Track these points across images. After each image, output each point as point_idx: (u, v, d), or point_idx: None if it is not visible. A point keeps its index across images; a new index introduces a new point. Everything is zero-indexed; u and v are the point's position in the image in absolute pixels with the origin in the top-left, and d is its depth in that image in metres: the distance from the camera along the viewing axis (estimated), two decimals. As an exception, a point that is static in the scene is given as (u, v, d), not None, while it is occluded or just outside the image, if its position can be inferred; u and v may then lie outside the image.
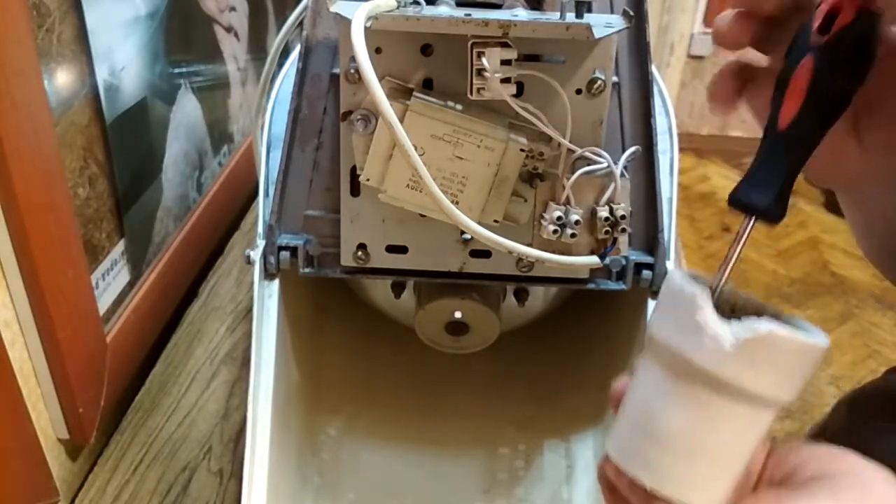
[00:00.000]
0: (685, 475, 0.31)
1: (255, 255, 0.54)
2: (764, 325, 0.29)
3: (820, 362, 0.30)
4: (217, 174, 0.98)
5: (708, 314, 0.30)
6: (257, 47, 1.12)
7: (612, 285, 0.53)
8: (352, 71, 0.45)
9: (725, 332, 0.29)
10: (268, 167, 0.58)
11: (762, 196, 0.32)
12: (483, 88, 0.42)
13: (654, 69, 0.53)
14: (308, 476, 0.64)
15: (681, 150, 0.62)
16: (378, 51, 0.45)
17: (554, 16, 0.43)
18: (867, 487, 0.29)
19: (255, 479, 0.50)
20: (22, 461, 0.56)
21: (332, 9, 0.43)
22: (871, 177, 0.38)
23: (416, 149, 0.40)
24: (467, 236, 0.50)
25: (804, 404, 1.42)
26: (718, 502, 0.31)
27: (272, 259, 0.53)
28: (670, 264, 0.53)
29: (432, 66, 0.45)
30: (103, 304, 0.68)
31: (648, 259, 0.53)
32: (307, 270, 0.53)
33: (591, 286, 0.53)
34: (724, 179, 2.85)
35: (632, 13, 0.43)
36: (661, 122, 0.58)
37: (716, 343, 0.29)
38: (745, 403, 0.30)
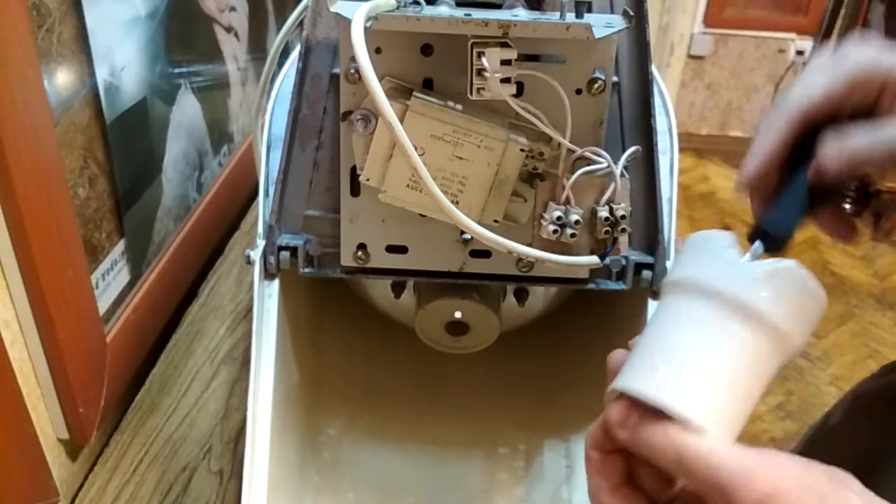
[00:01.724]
0: (701, 394, 0.32)
1: (255, 255, 0.54)
2: (789, 261, 0.33)
3: (821, 315, 0.34)
4: (217, 174, 0.98)
5: (738, 250, 0.35)
6: (257, 47, 1.12)
7: (612, 285, 0.53)
8: (352, 71, 0.45)
9: (756, 263, 0.33)
10: (268, 167, 0.58)
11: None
12: (483, 88, 0.42)
13: (654, 69, 0.53)
14: (308, 476, 0.64)
15: (681, 150, 0.62)
16: (378, 51, 0.45)
17: (554, 16, 0.43)
18: None
19: (255, 479, 0.50)
20: (22, 461, 0.56)
21: (332, 9, 0.43)
22: None
23: (416, 149, 0.40)
24: (467, 236, 0.50)
25: (804, 404, 1.42)
26: (725, 429, 0.32)
27: (272, 259, 0.53)
28: (670, 264, 0.53)
29: (432, 66, 0.45)
30: (103, 304, 0.68)
31: (648, 259, 0.53)
32: (307, 270, 0.53)
33: (591, 286, 0.53)
34: (724, 179, 2.85)
35: (632, 13, 0.43)
36: (661, 122, 0.58)
37: (746, 272, 0.33)
38: (765, 333, 0.32)
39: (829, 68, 0.39)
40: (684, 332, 0.33)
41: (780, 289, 0.32)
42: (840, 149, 0.37)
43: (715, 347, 0.32)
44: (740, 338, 0.32)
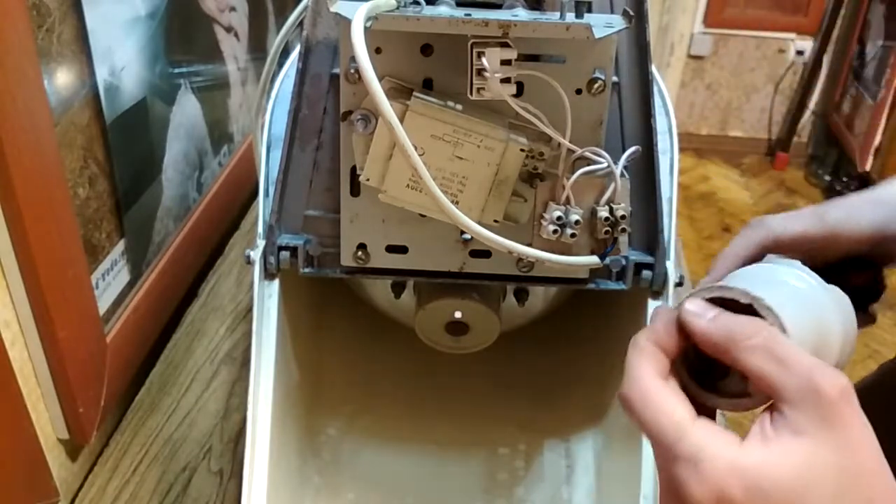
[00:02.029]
0: (794, 316, 0.35)
1: (255, 255, 0.54)
2: None
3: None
4: (217, 174, 0.98)
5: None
6: (257, 47, 1.12)
7: (612, 285, 0.53)
8: (352, 71, 0.45)
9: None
10: (268, 167, 0.58)
11: None
12: (483, 88, 0.42)
13: (654, 69, 0.53)
14: (308, 476, 0.64)
15: (681, 150, 0.62)
16: (378, 51, 0.45)
17: (554, 16, 0.43)
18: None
19: (255, 479, 0.50)
20: (22, 461, 0.56)
21: (332, 9, 0.43)
22: None
23: (416, 149, 0.40)
24: (467, 236, 0.50)
25: (804, 404, 1.42)
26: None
27: (272, 259, 0.53)
28: (670, 264, 0.53)
29: (432, 66, 0.45)
30: (103, 304, 0.68)
31: (648, 259, 0.53)
32: (307, 270, 0.53)
33: (591, 286, 0.53)
34: (724, 179, 2.86)
35: (632, 13, 0.43)
36: (661, 122, 0.58)
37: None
38: (841, 314, 0.39)
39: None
40: (782, 275, 0.38)
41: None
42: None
43: (810, 294, 0.37)
44: (831, 304, 0.37)
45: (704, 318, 0.34)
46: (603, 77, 0.45)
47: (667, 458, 0.32)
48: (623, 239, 0.47)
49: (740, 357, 0.32)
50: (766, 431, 0.31)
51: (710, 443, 0.31)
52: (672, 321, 0.35)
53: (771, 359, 0.31)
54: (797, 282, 0.38)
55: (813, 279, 0.38)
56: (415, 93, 0.44)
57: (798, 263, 0.40)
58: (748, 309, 0.35)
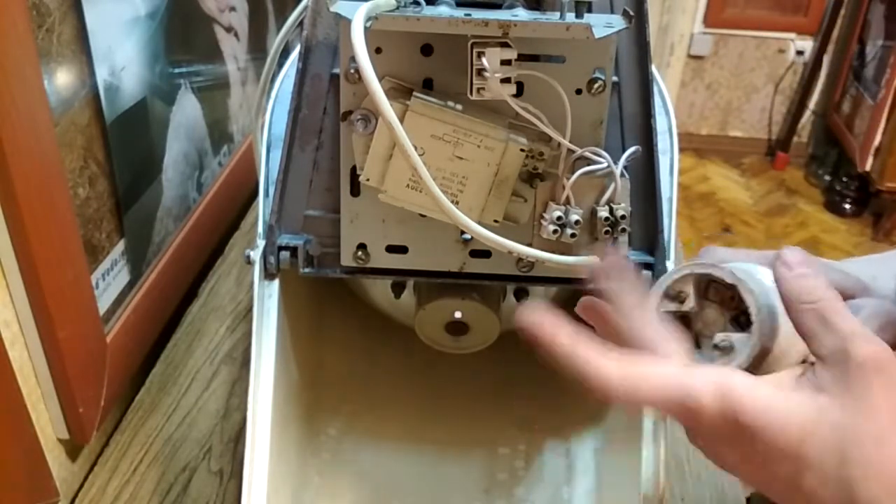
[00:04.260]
0: None
1: (255, 255, 0.54)
2: None
3: None
4: (217, 174, 0.98)
5: None
6: (257, 47, 1.12)
7: (612, 285, 0.53)
8: (352, 71, 0.45)
9: None
10: (268, 167, 0.58)
11: None
12: (483, 88, 0.42)
13: (654, 69, 0.53)
14: (308, 476, 0.64)
15: (681, 150, 0.62)
16: (378, 51, 0.45)
17: (554, 16, 0.43)
18: None
19: (255, 479, 0.50)
20: (22, 461, 0.56)
21: (332, 9, 0.43)
22: None
23: (416, 149, 0.40)
24: (467, 236, 0.50)
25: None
26: None
27: (272, 259, 0.53)
28: (670, 264, 0.53)
29: (432, 66, 0.45)
30: (103, 304, 0.68)
31: (648, 259, 0.53)
32: (307, 270, 0.53)
33: (591, 286, 0.53)
34: (724, 179, 2.86)
35: (632, 13, 0.43)
36: (661, 122, 0.58)
37: None
38: None
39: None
40: (760, 274, 0.39)
41: None
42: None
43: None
44: None
45: (795, 268, 0.36)
46: (603, 77, 0.45)
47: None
48: (623, 239, 0.47)
49: (796, 314, 0.35)
50: (782, 380, 0.34)
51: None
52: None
53: (818, 319, 0.34)
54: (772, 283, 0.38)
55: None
56: (415, 93, 0.44)
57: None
58: (732, 290, 0.37)
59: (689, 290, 0.39)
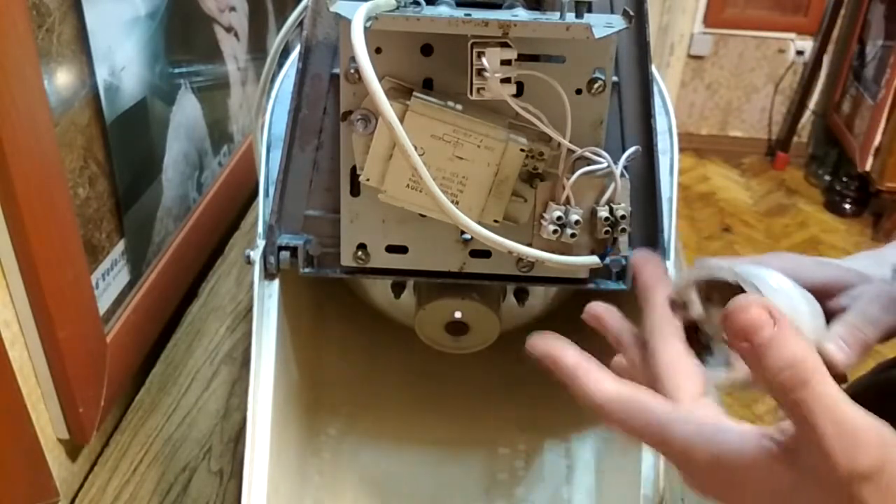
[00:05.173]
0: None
1: (255, 255, 0.54)
2: None
3: None
4: (217, 174, 0.98)
5: None
6: (257, 47, 1.12)
7: (612, 285, 0.53)
8: (352, 71, 0.45)
9: None
10: (268, 167, 0.58)
11: None
12: (483, 88, 0.42)
13: (654, 69, 0.53)
14: (308, 476, 0.64)
15: (681, 150, 0.62)
16: (378, 51, 0.45)
17: (554, 16, 0.43)
18: None
19: (255, 479, 0.50)
20: (22, 461, 0.56)
21: (332, 9, 0.43)
22: None
23: (416, 149, 0.40)
24: (467, 236, 0.50)
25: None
26: None
27: (272, 259, 0.53)
28: (670, 264, 0.53)
29: (432, 66, 0.45)
30: (103, 304, 0.68)
31: (648, 259, 0.53)
32: (307, 270, 0.53)
33: (591, 286, 0.53)
34: (724, 179, 2.86)
35: (632, 13, 0.43)
36: (661, 122, 0.58)
37: None
38: None
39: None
40: (763, 273, 0.38)
41: None
42: None
43: (787, 293, 0.38)
44: (805, 307, 0.38)
45: (760, 335, 0.29)
46: (603, 77, 0.45)
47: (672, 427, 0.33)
48: (623, 239, 0.47)
49: (798, 402, 0.28)
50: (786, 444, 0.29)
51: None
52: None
53: (804, 409, 0.28)
54: (777, 282, 0.38)
55: (791, 283, 0.39)
56: (415, 93, 0.44)
57: (775, 272, 0.40)
58: (736, 291, 0.36)
59: (694, 297, 0.38)
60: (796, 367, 0.28)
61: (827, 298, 0.40)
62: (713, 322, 0.38)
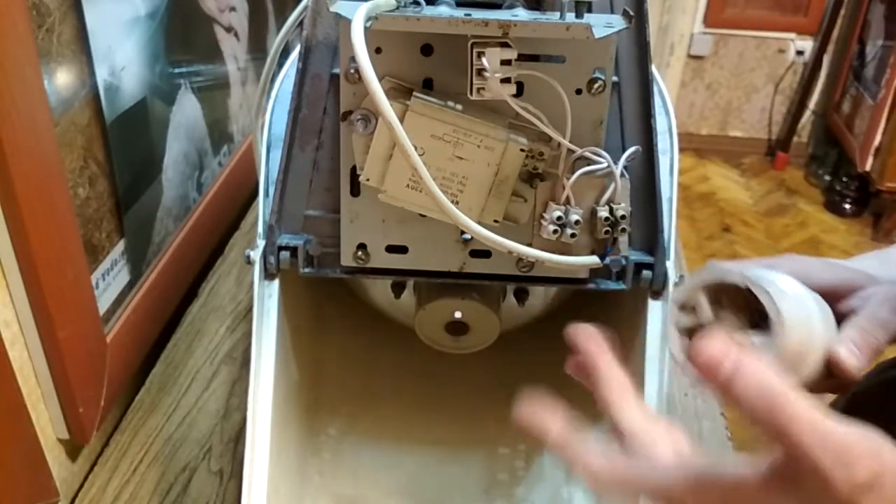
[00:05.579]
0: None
1: (255, 255, 0.54)
2: None
3: None
4: (217, 174, 0.98)
5: None
6: (257, 47, 1.12)
7: (612, 285, 0.53)
8: (352, 71, 0.45)
9: None
10: (268, 167, 0.58)
11: None
12: (483, 88, 0.42)
13: (654, 69, 0.53)
14: (308, 476, 0.64)
15: (681, 150, 0.62)
16: (378, 51, 0.45)
17: (554, 16, 0.43)
18: None
19: (255, 479, 0.50)
20: (22, 461, 0.56)
21: (332, 9, 0.43)
22: None
23: (416, 149, 0.40)
24: (467, 236, 0.50)
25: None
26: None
27: (272, 259, 0.53)
28: (670, 264, 0.53)
29: (432, 66, 0.45)
30: (103, 304, 0.68)
31: (648, 259, 0.53)
32: (307, 270, 0.53)
33: (591, 286, 0.53)
34: (724, 179, 2.86)
35: (632, 13, 0.43)
36: (661, 122, 0.58)
37: None
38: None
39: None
40: (774, 277, 0.38)
41: None
42: None
43: (799, 296, 0.37)
44: (816, 311, 0.38)
45: (725, 366, 0.29)
46: (603, 77, 0.45)
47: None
48: (623, 239, 0.48)
49: (777, 424, 0.28)
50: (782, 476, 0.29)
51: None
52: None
53: (785, 430, 0.28)
54: (787, 285, 0.38)
55: (801, 287, 0.38)
56: (415, 93, 0.44)
57: (785, 275, 0.40)
58: (745, 295, 0.36)
59: (703, 300, 0.38)
60: (764, 394, 0.28)
61: (836, 301, 0.40)
62: (725, 326, 0.38)
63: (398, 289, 0.60)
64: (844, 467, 0.26)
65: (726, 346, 0.29)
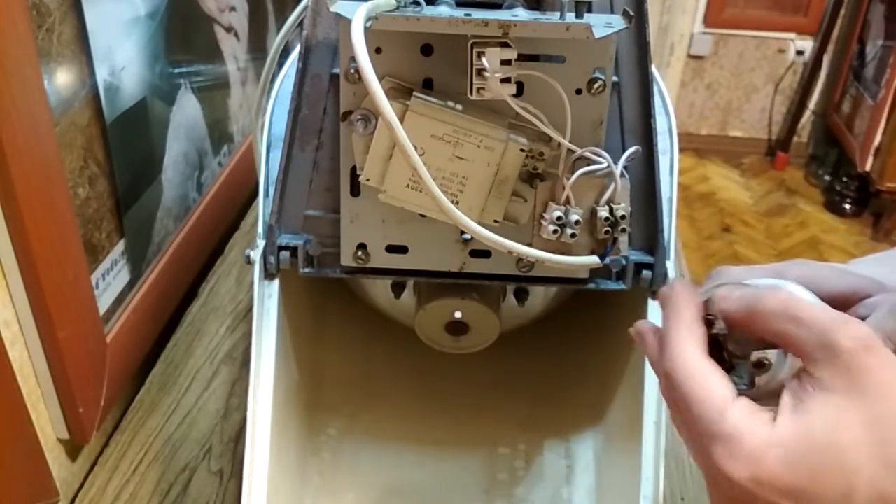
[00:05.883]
0: None
1: (255, 255, 0.54)
2: None
3: None
4: (217, 174, 0.98)
5: None
6: (257, 47, 1.12)
7: (612, 285, 0.53)
8: (352, 71, 0.45)
9: None
10: (268, 167, 0.58)
11: None
12: (483, 88, 0.42)
13: (654, 69, 0.53)
14: (308, 476, 0.64)
15: (681, 150, 0.62)
16: (378, 51, 0.45)
17: (554, 16, 0.43)
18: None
19: (255, 479, 0.50)
20: (22, 461, 0.56)
21: (332, 9, 0.43)
22: None
23: (416, 149, 0.40)
24: (467, 236, 0.50)
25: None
26: None
27: (272, 259, 0.53)
28: (670, 264, 0.53)
29: (432, 66, 0.45)
30: (103, 304, 0.68)
31: (648, 259, 0.53)
32: (307, 270, 0.53)
33: (591, 286, 0.53)
34: (724, 179, 2.86)
35: (632, 13, 0.43)
36: (661, 122, 0.58)
37: None
38: None
39: None
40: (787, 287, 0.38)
41: None
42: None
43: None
44: None
45: (730, 299, 0.36)
46: (603, 77, 0.45)
47: (704, 437, 0.33)
48: (623, 239, 0.47)
49: (762, 324, 0.34)
50: (795, 396, 0.32)
51: (747, 423, 0.32)
52: (699, 307, 0.37)
53: (788, 319, 0.33)
54: (801, 294, 0.38)
55: (811, 297, 0.38)
56: (415, 93, 0.44)
57: (794, 284, 0.40)
58: None
59: (716, 312, 0.38)
60: (740, 297, 0.35)
61: (844, 309, 0.40)
62: (737, 338, 0.37)
63: (398, 289, 0.60)
64: (839, 332, 0.31)
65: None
